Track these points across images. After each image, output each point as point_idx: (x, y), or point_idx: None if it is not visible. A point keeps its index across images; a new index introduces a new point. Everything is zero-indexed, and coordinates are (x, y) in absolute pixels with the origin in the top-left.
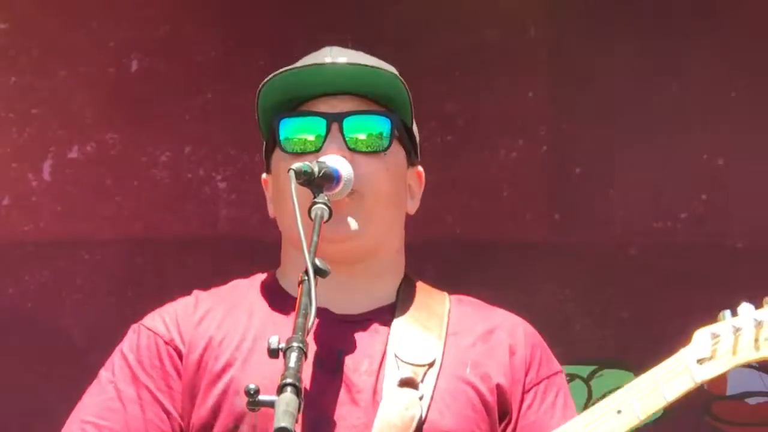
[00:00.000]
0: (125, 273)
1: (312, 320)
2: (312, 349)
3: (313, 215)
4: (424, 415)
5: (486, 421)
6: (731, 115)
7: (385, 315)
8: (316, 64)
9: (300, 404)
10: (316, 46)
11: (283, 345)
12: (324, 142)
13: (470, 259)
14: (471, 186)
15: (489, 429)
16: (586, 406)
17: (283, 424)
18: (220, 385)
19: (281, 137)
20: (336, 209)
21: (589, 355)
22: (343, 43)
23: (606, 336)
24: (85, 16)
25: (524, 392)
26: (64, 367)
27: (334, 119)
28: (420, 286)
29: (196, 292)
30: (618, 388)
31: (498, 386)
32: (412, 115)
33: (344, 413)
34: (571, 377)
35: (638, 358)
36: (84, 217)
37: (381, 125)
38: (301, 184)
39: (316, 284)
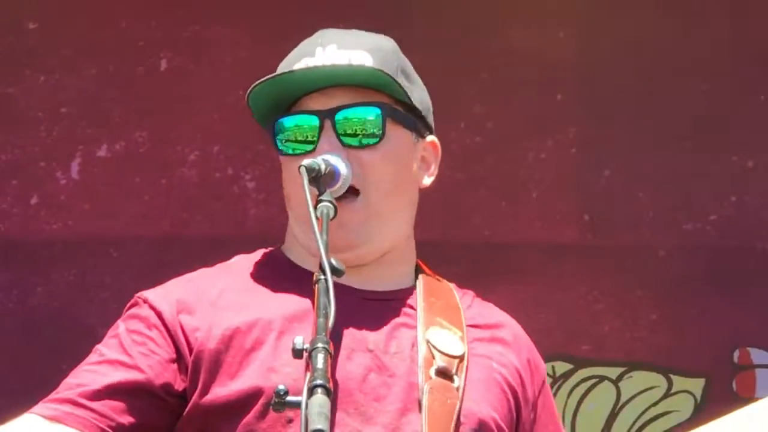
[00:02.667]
0: (153, 271)
1: (332, 320)
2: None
3: (319, 213)
4: (459, 404)
5: (508, 414)
6: (760, 117)
7: (407, 297)
8: (301, 69)
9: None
10: None
11: (307, 346)
12: (318, 140)
13: (499, 260)
14: (500, 187)
15: (510, 420)
16: (614, 408)
17: (319, 426)
18: (254, 362)
19: (278, 140)
20: (342, 217)
21: (618, 357)
22: None
23: (635, 338)
24: (114, 16)
25: (536, 393)
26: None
27: (326, 116)
28: (428, 272)
29: (201, 270)
30: (647, 389)
31: (515, 382)
32: (407, 92)
33: (377, 396)
34: (600, 378)
35: (667, 360)
36: (112, 215)
37: (371, 115)
38: (309, 181)
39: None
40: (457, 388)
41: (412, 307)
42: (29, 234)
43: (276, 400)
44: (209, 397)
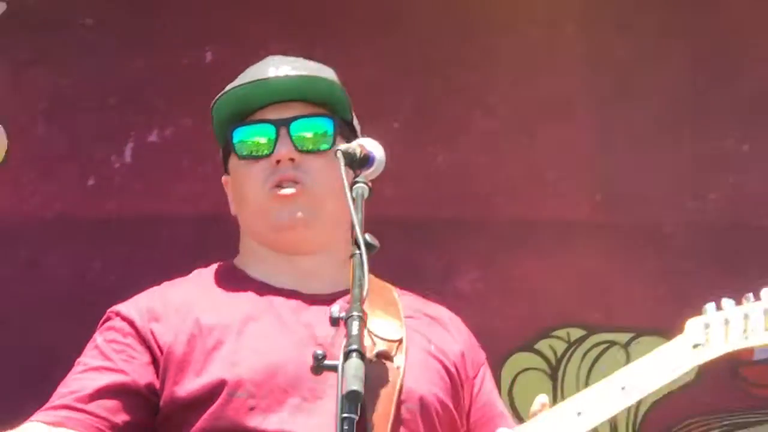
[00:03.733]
0: (198, 247)
1: (366, 290)
2: (286, 326)
3: (354, 194)
4: (400, 384)
5: (450, 390)
6: (754, 106)
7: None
8: (261, 79)
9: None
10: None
11: (343, 314)
12: (275, 145)
13: (519, 237)
14: (518, 170)
15: (453, 396)
16: None
17: (354, 388)
18: (216, 359)
19: (235, 143)
20: (283, 201)
21: (627, 324)
22: (394, 37)
23: (642, 307)
24: (161, 12)
25: (474, 377)
26: None
27: (282, 124)
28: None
29: (165, 283)
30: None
31: (454, 363)
32: (351, 111)
33: (325, 383)
34: (611, 343)
35: (671, 327)
36: (162, 195)
37: (324, 126)
38: (346, 164)
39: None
40: (398, 368)
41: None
42: (87, 213)
43: (315, 363)
44: (179, 393)
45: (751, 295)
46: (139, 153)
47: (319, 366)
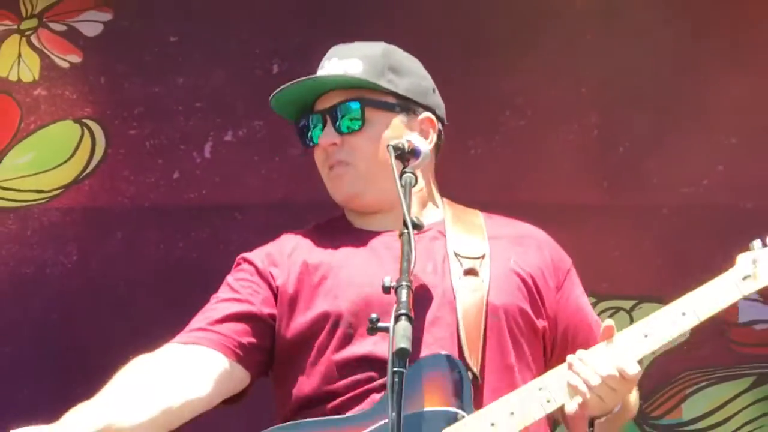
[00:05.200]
0: (269, 231)
1: (413, 264)
2: (380, 260)
3: (403, 182)
4: (486, 296)
5: (528, 299)
6: (741, 103)
7: (439, 227)
8: (306, 79)
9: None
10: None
11: (394, 283)
12: (323, 130)
13: (539, 217)
14: (538, 161)
15: (531, 305)
16: None
17: (403, 345)
18: (320, 293)
19: (299, 136)
20: (336, 182)
21: (631, 292)
22: (416, 36)
23: (644, 278)
24: (235, 30)
25: (559, 285)
26: None
27: (326, 113)
28: (455, 206)
29: (284, 233)
30: None
31: (533, 276)
32: (388, 85)
33: (425, 306)
34: (617, 309)
35: (669, 294)
36: (237, 186)
37: (353, 109)
38: (397, 157)
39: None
40: (482, 281)
41: (441, 233)
42: (173, 201)
43: (369, 326)
44: (292, 325)
45: None
46: (216, 150)
47: (372, 328)
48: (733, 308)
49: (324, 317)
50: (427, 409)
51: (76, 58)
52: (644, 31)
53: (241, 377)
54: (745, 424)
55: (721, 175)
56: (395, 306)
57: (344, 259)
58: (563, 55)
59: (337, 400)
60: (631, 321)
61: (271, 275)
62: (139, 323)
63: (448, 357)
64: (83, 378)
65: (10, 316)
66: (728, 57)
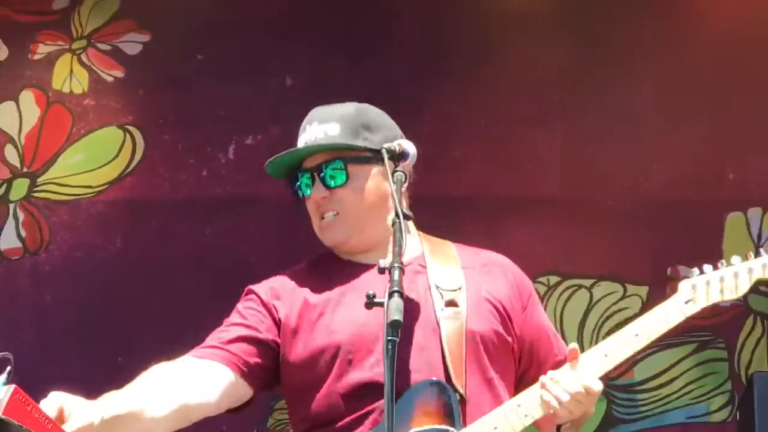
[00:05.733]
0: (281, 221)
1: (405, 247)
2: (355, 314)
3: (395, 179)
4: (464, 323)
5: (499, 321)
6: (671, 115)
7: (420, 261)
8: (292, 150)
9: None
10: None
11: (388, 265)
12: (313, 186)
13: (511, 209)
14: (511, 162)
15: (502, 326)
16: (588, 305)
17: (395, 318)
18: (320, 327)
19: (293, 189)
20: (326, 229)
21: (591, 272)
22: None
23: (601, 259)
24: (254, 48)
25: (524, 306)
26: (241, 285)
27: (314, 171)
28: (430, 238)
29: (287, 271)
30: (609, 294)
31: (501, 301)
32: (364, 143)
33: (411, 333)
34: (579, 286)
35: (623, 274)
36: (256, 183)
37: (337, 166)
38: (390, 158)
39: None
40: (460, 310)
41: (422, 266)
42: (201, 195)
43: (367, 300)
44: (295, 354)
45: (724, 261)
46: (238, 152)
47: (371, 303)
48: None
49: (323, 350)
50: (421, 428)
51: (119, 74)
52: (601, 42)
53: (245, 391)
54: (688, 383)
55: (657, 173)
56: (389, 284)
57: (339, 296)
58: (527, 70)
59: (344, 421)
60: (591, 296)
61: (275, 307)
62: (172, 298)
63: (438, 382)
64: (125, 346)
65: (64, 292)
66: (666, 74)
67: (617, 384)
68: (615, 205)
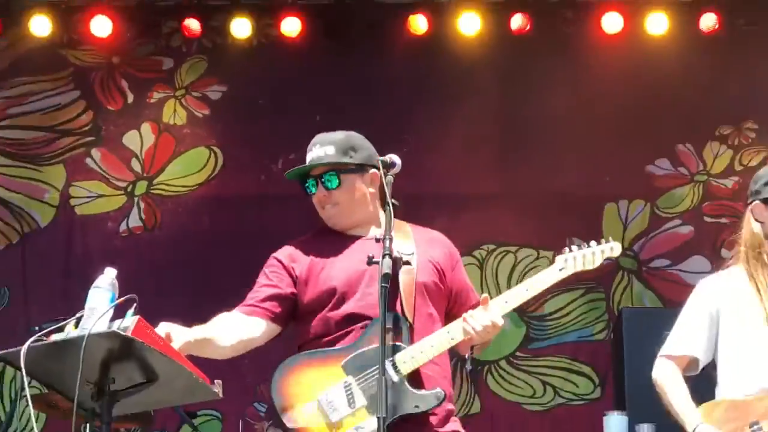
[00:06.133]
0: (309, 214)
1: (392, 226)
2: (358, 255)
3: (386, 181)
4: (415, 277)
5: (437, 277)
6: (580, 134)
7: (384, 237)
8: (303, 166)
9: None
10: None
11: (380, 237)
12: (317, 188)
13: (458, 204)
14: (461, 168)
15: (439, 280)
16: (513, 264)
17: (386, 271)
18: (320, 281)
19: (303, 188)
20: (326, 217)
21: (515, 241)
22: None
23: (523, 231)
24: (294, 94)
25: (452, 267)
26: None
27: (317, 178)
28: (397, 221)
29: (299, 238)
30: (528, 256)
31: (439, 263)
32: (351, 160)
33: (371, 284)
34: (507, 251)
35: (537, 243)
36: (293, 185)
37: (333, 174)
38: (383, 167)
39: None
40: (413, 268)
41: (390, 238)
42: (260, 193)
43: (367, 260)
44: (306, 297)
45: (594, 242)
46: (284, 164)
47: (370, 261)
48: None
49: (324, 292)
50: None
51: (206, 112)
52: (526, 82)
53: (275, 329)
54: (579, 315)
55: (562, 176)
56: (383, 249)
57: (335, 256)
58: (478, 106)
59: (331, 337)
60: (515, 258)
61: (292, 268)
62: (239, 262)
63: (396, 314)
64: (208, 295)
65: (169, 256)
66: (570, 106)
67: (533, 315)
68: (535, 197)
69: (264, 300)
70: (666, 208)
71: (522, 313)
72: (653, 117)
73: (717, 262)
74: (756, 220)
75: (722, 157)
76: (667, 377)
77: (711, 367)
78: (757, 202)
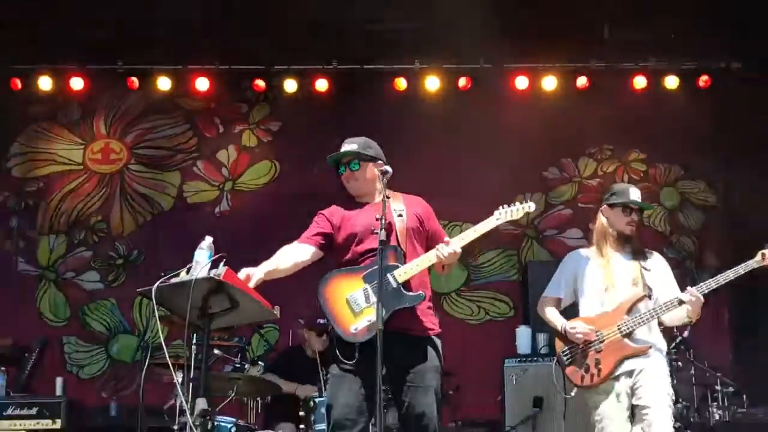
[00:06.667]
0: (336, 198)
1: (387, 204)
2: (370, 213)
3: (384, 181)
4: (405, 224)
5: (420, 224)
6: (509, 161)
7: (387, 204)
8: (337, 153)
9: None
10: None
11: (380, 217)
12: (346, 170)
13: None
14: (434, 182)
15: (420, 225)
16: (460, 231)
17: (382, 238)
18: (348, 227)
19: (336, 170)
20: (350, 188)
21: (459, 220)
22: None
23: (468, 213)
24: (331, 138)
25: (428, 218)
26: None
27: (345, 163)
28: (394, 193)
29: (334, 205)
30: (469, 228)
31: (420, 215)
32: (366, 152)
33: (373, 243)
34: (455, 226)
35: (471, 220)
36: (326, 185)
37: (355, 161)
38: (381, 170)
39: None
40: (404, 218)
41: (383, 219)
42: (306, 191)
43: (376, 218)
44: (338, 239)
45: (518, 202)
46: (318, 171)
47: (378, 219)
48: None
49: (349, 234)
50: (385, 264)
51: (269, 138)
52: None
53: (318, 253)
54: (500, 264)
55: (495, 179)
56: (380, 224)
57: (356, 213)
58: (430, 146)
59: (357, 262)
60: (461, 229)
61: (331, 220)
62: (291, 232)
63: (395, 246)
64: (272, 253)
65: (244, 227)
66: (480, 148)
67: (472, 264)
68: (476, 193)
69: (313, 235)
70: (555, 198)
71: (465, 261)
72: (547, 141)
73: (586, 233)
74: (603, 215)
75: (590, 166)
76: (544, 307)
77: (575, 303)
78: (605, 205)
